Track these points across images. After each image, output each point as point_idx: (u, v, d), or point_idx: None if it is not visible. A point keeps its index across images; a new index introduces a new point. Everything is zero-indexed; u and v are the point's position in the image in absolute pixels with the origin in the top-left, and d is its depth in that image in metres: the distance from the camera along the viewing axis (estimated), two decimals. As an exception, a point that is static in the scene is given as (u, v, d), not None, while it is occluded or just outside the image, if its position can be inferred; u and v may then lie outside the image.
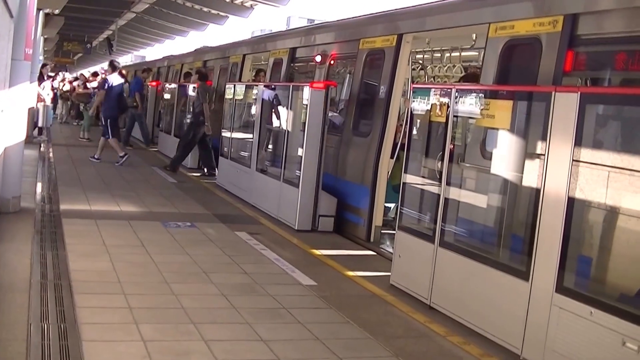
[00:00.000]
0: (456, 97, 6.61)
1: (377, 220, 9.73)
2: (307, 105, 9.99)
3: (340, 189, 10.46)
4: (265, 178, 11.42)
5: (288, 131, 10.87)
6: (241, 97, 13.77)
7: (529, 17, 7.22)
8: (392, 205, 10.35)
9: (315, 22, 18.13)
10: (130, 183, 13.14)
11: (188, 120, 16.65)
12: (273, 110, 12.11)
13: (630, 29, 6.17)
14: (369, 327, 6.03)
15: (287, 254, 8.43)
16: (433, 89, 7.15)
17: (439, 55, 11.51)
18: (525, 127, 6.12)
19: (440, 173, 6.73)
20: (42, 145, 17.82)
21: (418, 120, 7.70)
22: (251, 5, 24.64)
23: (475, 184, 7.06)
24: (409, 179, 7.47)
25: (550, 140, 5.34)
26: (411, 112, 7.54)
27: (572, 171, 5.13)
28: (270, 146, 10.13)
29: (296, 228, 9.89)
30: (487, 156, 6.90)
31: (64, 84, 29.76)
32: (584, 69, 6.80)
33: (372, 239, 9.67)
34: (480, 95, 6.46)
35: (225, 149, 13.94)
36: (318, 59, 12.41)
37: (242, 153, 13.23)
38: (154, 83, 23.53)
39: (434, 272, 6.71)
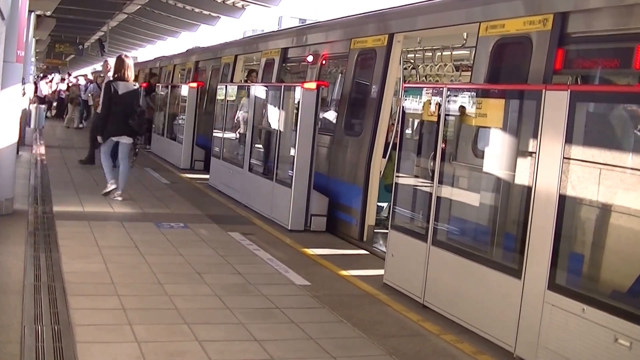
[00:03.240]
0: (448, 96, 6.64)
1: (370, 219, 9.76)
2: (298, 105, 10.00)
3: (332, 188, 10.48)
4: (258, 178, 11.43)
5: (280, 131, 10.88)
6: (233, 97, 13.78)
7: (519, 15, 7.25)
8: (384, 204, 10.38)
9: (307, 22, 18.15)
10: (123, 184, 13.12)
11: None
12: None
13: (619, 27, 6.20)
14: (362, 326, 6.04)
15: (280, 254, 8.44)
16: (425, 88, 7.17)
17: (430, 54, 11.54)
18: (516, 125, 6.15)
19: (432, 172, 6.75)
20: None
21: (410, 120, 7.72)
22: (242, 5, 24.62)
23: (468, 182, 7.08)
24: (401, 178, 7.49)
25: (541, 138, 5.37)
26: (403, 111, 7.57)
27: (563, 169, 5.16)
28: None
29: (289, 228, 9.90)
30: (479, 155, 6.93)
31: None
32: (574, 67, 6.83)
33: (364, 238, 9.69)
34: (471, 94, 6.48)
35: (217, 150, 13.94)
36: (310, 59, 12.43)
37: (235, 153, 13.23)
38: (145, 84, 23.50)
39: (426, 270, 6.73)
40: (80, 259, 7.43)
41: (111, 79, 11.52)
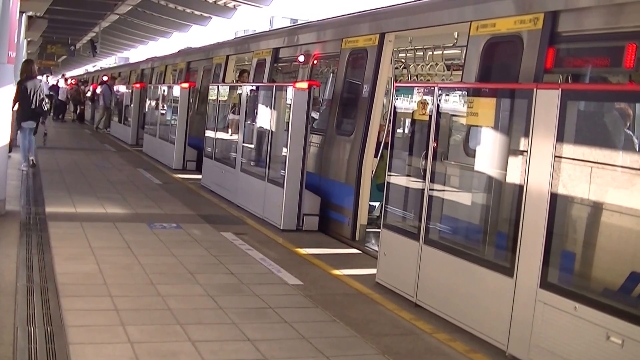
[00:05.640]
0: (439, 96, 6.65)
1: (362, 218, 9.76)
2: (290, 105, 10.00)
3: (324, 188, 10.48)
4: (250, 178, 11.42)
5: (272, 131, 10.87)
6: (225, 98, 13.77)
7: (509, 15, 7.27)
8: (376, 203, 10.39)
9: (298, 22, 18.15)
10: (116, 185, 13.12)
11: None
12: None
13: (610, 26, 6.22)
14: (355, 326, 6.05)
15: (273, 254, 8.45)
16: (416, 88, 7.18)
17: (422, 53, 11.55)
18: (507, 124, 6.16)
19: (424, 171, 6.76)
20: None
21: (401, 119, 7.73)
22: (234, 5, 24.65)
23: (459, 181, 7.09)
24: (393, 177, 7.50)
25: (532, 137, 5.38)
26: (394, 110, 7.57)
27: (554, 167, 5.17)
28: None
29: (281, 228, 9.90)
30: (471, 154, 6.94)
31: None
32: (565, 66, 6.85)
33: (357, 238, 9.70)
34: (463, 93, 6.49)
35: (210, 150, 13.92)
36: (301, 59, 12.43)
37: (227, 154, 13.21)
38: (137, 85, 23.47)
39: (419, 269, 6.74)
40: (72, 260, 7.42)
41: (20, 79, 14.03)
